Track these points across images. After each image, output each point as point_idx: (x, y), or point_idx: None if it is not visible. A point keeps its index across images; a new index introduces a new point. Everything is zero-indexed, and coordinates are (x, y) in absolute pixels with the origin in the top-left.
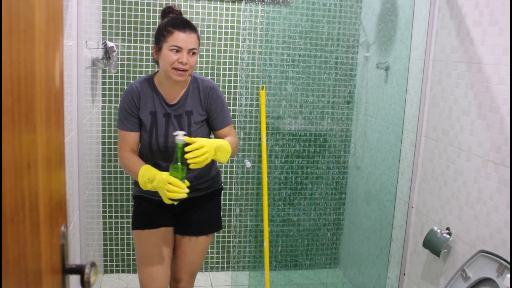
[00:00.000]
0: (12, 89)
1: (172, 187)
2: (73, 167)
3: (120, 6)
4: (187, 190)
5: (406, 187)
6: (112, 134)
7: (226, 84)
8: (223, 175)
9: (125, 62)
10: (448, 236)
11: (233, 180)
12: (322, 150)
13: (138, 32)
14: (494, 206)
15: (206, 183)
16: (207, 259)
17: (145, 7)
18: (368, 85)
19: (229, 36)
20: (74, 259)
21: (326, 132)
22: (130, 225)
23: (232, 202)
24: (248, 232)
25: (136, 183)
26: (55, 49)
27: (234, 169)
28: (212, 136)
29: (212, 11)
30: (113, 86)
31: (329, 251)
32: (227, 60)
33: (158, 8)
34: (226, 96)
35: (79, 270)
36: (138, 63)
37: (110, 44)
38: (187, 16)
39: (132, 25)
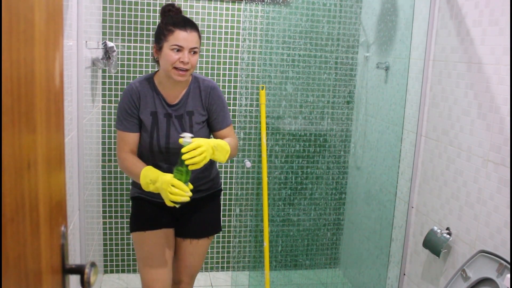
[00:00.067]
0: (12, 89)
1: (175, 189)
2: (73, 167)
3: (120, 6)
4: (190, 194)
5: (406, 187)
6: (112, 134)
7: (226, 84)
8: (223, 175)
9: (125, 62)
10: (448, 236)
11: (233, 180)
12: (322, 150)
13: (138, 32)
14: (494, 206)
15: (207, 185)
16: (207, 259)
17: (145, 7)
18: (368, 85)
19: (229, 36)
20: (74, 259)
21: (326, 132)
22: (128, 227)
23: (232, 202)
24: (248, 232)
25: (134, 184)
26: (55, 49)
27: (234, 169)
28: (212, 137)
29: (212, 11)
30: (113, 86)
31: (329, 251)
32: (227, 60)
33: (158, 8)
34: (226, 96)
35: (79, 270)
36: (138, 63)
37: (110, 44)
38: (187, 16)
39: (132, 25)
